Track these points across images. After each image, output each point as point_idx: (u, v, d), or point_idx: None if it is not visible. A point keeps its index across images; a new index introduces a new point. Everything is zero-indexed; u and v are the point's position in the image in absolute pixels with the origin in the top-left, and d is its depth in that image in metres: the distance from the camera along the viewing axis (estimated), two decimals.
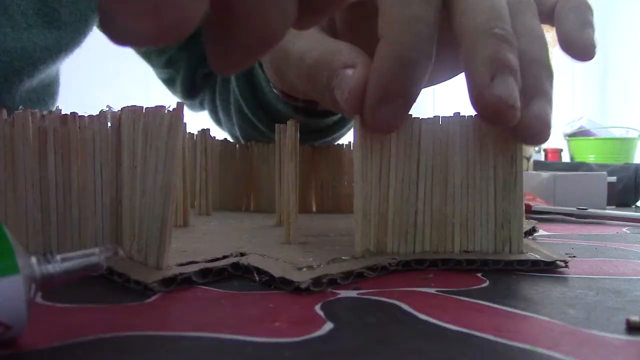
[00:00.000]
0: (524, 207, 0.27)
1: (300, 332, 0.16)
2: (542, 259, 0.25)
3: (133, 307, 0.19)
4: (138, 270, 0.22)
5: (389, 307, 0.19)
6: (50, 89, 0.52)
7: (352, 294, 0.21)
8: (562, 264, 0.25)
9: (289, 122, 0.31)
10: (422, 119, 0.27)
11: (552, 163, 1.17)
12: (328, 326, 0.17)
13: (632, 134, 1.51)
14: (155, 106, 0.24)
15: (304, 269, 0.23)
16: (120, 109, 0.26)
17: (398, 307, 0.19)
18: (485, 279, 0.24)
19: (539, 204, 0.53)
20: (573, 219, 0.50)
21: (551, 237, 0.38)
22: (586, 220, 0.50)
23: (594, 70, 2.96)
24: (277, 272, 0.22)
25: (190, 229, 0.36)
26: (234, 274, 0.24)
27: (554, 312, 0.19)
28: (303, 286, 0.21)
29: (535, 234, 0.39)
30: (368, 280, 0.23)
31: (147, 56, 0.63)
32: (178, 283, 0.22)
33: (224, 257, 0.25)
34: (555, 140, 2.14)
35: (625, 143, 1.42)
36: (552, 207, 0.53)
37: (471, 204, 0.27)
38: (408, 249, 0.27)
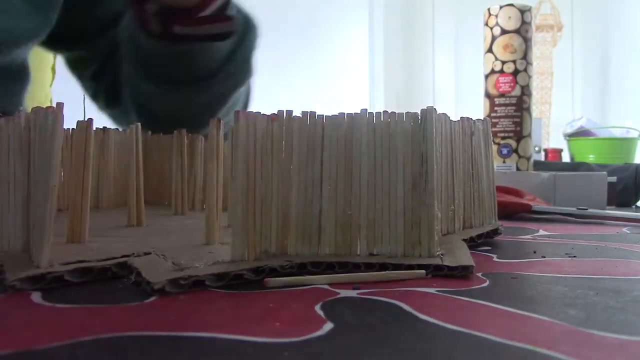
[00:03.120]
0: (436, 208, 0.25)
1: (300, 332, 0.16)
2: (447, 264, 0.24)
3: (133, 307, 0.19)
4: (16, 267, 0.22)
5: (389, 307, 0.19)
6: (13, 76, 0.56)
7: (352, 294, 0.21)
8: (468, 269, 0.24)
9: (211, 122, 0.30)
10: (325, 115, 0.26)
11: (552, 163, 1.17)
12: (328, 326, 0.17)
13: (632, 134, 1.51)
14: (47, 107, 0.24)
15: (178, 270, 0.22)
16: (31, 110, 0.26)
17: (398, 307, 0.19)
18: (485, 279, 0.24)
19: (539, 204, 0.53)
20: (573, 219, 0.50)
21: (551, 237, 0.38)
22: (586, 220, 0.50)
23: (594, 70, 2.96)
24: (146, 272, 0.22)
25: (140, 228, 0.36)
26: (119, 274, 0.23)
27: (554, 312, 0.19)
28: (156, 287, 0.21)
29: (535, 234, 0.39)
30: (368, 280, 0.23)
31: (75, 69, 0.65)
32: (48, 281, 0.21)
33: (124, 256, 0.24)
34: (555, 140, 2.14)
35: (625, 143, 1.42)
36: (552, 207, 0.53)
37: (378, 205, 0.25)
38: (312, 250, 0.26)
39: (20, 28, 0.50)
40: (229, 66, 0.55)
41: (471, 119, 0.34)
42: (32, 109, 0.26)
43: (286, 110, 0.26)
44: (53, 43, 0.60)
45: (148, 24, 0.49)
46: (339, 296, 0.21)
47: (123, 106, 0.63)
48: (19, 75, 0.57)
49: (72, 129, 0.32)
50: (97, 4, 0.59)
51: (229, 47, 0.54)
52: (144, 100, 0.58)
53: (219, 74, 0.54)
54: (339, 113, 0.26)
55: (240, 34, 0.55)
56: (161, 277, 0.21)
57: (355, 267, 0.25)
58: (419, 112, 0.26)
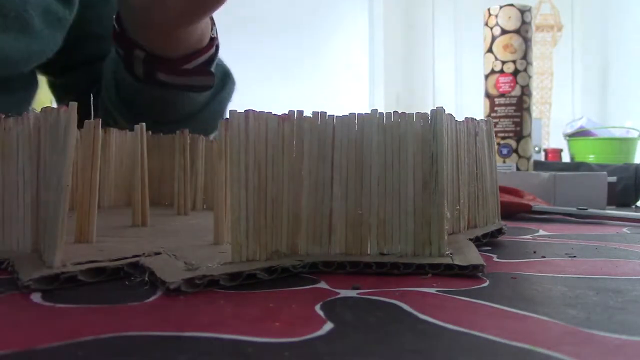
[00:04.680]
0: (446, 208, 0.26)
1: (300, 332, 0.16)
2: (457, 263, 0.24)
3: (133, 307, 0.19)
4: (29, 268, 0.22)
5: (389, 307, 0.19)
6: (24, 84, 0.57)
7: (352, 294, 0.21)
8: (479, 268, 0.24)
9: (220, 123, 0.30)
10: (336, 116, 0.26)
11: (552, 163, 1.17)
12: (328, 326, 0.17)
13: (632, 134, 1.51)
14: (57, 106, 0.24)
15: (192, 270, 0.22)
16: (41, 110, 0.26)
17: (398, 307, 0.19)
18: (485, 279, 0.24)
19: (539, 204, 0.53)
20: (573, 219, 0.50)
21: (551, 237, 0.38)
22: (586, 220, 0.50)
23: (594, 70, 2.96)
24: (160, 272, 0.22)
25: (145, 228, 0.36)
26: (130, 273, 0.23)
27: (554, 312, 0.19)
28: (172, 287, 0.20)
29: (535, 234, 0.39)
30: (368, 279, 0.23)
31: (56, 92, 0.68)
32: (62, 282, 0.21)
33: (135, 256, 0.24)
34: (555, 140, 2.14)
35: (625, 143, 1.42)
36: (552, 207, 0.53)
37: (389, 205, 0.26)
38: (322, 250, 0.26)
39: (33, 47, 0.52)
40: (204, 113, 0.59)
41: (475, 119, 0.34)
42: (41, 109, 0.26)
43: (297, 111, 0.26)
44: (47, 66, 0.62)
45: (134, 67, 0.52)
46: (339, 296, 0.21)
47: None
48: (25, 84, 0.58)
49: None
50: (91, 39, 0.62)
51: (207, 96, 0.58)
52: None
53: (191, 119, 0.58)
54: (349, 113, 0.26)
55: (219, 86, 0.59)
56: (175, 277, 0.21)
57: (367, 267, 0.25)
58: (429, 113, 0.26)
